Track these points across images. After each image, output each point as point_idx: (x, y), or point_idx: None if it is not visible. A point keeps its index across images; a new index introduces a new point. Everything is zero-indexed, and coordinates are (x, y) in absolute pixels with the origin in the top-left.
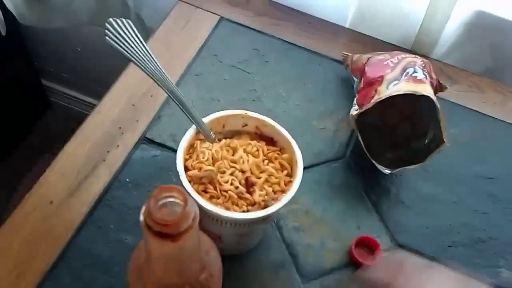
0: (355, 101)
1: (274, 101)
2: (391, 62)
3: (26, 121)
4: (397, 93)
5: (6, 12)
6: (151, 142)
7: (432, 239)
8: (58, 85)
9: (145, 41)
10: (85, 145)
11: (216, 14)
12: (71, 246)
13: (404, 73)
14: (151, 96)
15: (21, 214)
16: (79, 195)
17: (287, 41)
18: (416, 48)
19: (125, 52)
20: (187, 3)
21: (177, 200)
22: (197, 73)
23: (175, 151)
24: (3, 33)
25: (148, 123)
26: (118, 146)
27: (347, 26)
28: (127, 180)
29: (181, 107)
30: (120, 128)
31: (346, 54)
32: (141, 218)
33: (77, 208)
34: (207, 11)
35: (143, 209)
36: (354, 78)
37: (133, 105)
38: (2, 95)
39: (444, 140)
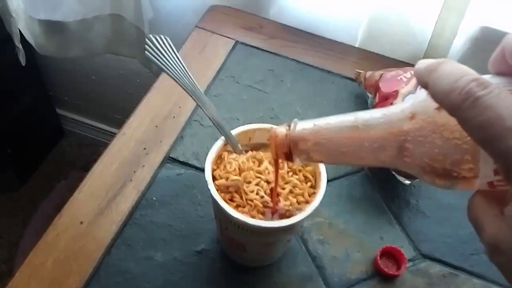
0: None
1: (291, 118)
2: (404, 77)
3: (40, 149)
4: None
5: (23, 43)
6: (175, 161)
7: (454, 247)
8: (71, 113)
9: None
10: (112, 166)
11: (231, 38)
12: (103, 264)
13: (419, 86)
14: (174, 117)
15: (53, 234)
16: (109, 214)
17: (301, 62)
18: None
19: (161, 65)
20: (203, 29)
21: None
22: (216, 94)
23: (198, 169)
24: (23, 63)
25: (171, 143)
26: (143, 166)
27: (357, 45)
28: (154, 198)
29: (212, 119)
30: (144, 148)
31: (359, 72)
32: None
33: (107, 227)
34: (223, 36)
35: None
36: (368, 94)
37: (156, 126)
38: (18, 124)
39: None
